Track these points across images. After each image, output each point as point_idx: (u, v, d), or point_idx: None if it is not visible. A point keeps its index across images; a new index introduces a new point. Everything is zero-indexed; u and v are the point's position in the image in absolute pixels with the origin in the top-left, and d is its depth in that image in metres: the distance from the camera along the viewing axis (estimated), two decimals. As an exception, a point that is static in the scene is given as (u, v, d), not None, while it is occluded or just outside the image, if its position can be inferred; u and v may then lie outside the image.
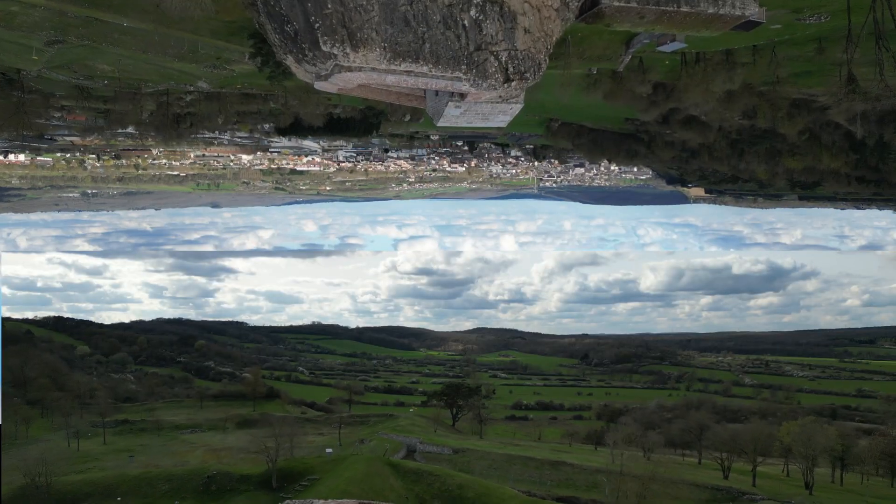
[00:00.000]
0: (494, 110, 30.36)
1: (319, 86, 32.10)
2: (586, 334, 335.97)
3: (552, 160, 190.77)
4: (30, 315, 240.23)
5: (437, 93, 30.46)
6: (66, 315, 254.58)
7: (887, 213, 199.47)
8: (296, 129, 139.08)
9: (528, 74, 27.77)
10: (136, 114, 77.64)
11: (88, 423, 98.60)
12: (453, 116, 30.69)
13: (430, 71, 26.23)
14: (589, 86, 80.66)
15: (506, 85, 27.26)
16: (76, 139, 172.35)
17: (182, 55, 55.83)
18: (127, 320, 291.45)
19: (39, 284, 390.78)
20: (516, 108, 30.80)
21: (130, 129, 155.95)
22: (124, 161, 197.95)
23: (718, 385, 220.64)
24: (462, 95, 28.86)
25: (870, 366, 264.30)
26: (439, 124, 31.06)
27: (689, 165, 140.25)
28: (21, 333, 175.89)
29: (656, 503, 59.36)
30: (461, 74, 26.50)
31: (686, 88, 73.90)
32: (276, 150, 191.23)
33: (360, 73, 27.41)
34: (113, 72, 62.78)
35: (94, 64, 62.08)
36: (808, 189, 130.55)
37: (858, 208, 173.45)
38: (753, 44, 71.09)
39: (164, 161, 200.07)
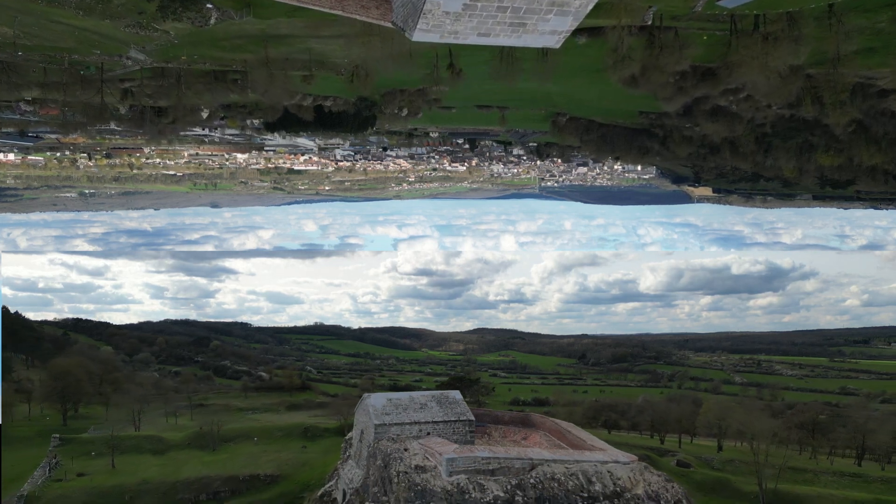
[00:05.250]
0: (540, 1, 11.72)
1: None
2: (585, 334, 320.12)
3: (555, 159, 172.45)
4: (49, 317, 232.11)
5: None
6: (83, 317, 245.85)
7: (892, 212, 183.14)
8: (285, 123, 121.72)
9: None
10: (62, 94, 59.51)
11: (175, 407, 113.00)
12: (443, 21, 12.12)
13: None
14: (616, 63, 62.46)
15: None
16: (60, 136, 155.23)
17: (88, 7, 38.27)
18: (128, 321, 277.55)
19: (41, 285, 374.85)
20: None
21: (113, 126, 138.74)
22: (117, 160, 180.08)
23: (709, 383, 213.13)
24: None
25: (859, 365, 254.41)
26: (417, 37, 13.22)
27: (706, 163, 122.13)
28: (59, 336, 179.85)
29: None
30: None
31: (740, 63, 55.56)
32: (271, 148, 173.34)
33: None
34: (14, 36, 45.04)
35: (-10, 25, 44.61)
36: (840, 188, 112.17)
37: (876, 208, 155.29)
38: (830, 2, 52.67)
39: (157, 160, 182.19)
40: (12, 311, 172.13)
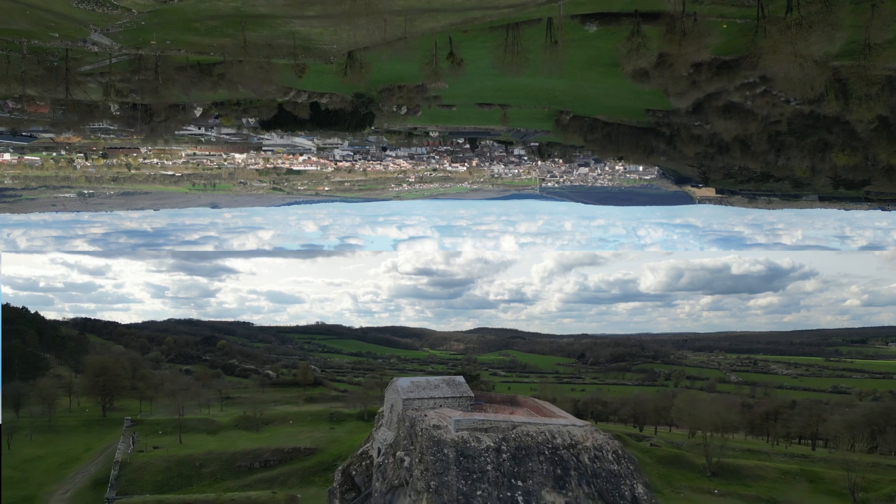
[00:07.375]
0: None
1: None
2: (585, 334, 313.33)
3: (557, 159, 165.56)
4: (58, 317, 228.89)
5: None
6: (88, 316, 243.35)
7: (893, 213, 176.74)
8: (281, 121, 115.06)
9: None
10: (21, 87, 52.63)
11: (205, 399, 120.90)
12: None
13: None
14: (630, 52, 55.75)
15: None
16: (54, 136, 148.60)
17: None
18: (129, 321, 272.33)
19: (42, 285, 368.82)
20: None
21: (106, 125, 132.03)
22: (114, 160, 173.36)
23: (704, 382, 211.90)
24: None
25: (854, 365, 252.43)
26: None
27: (714, 162, 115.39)
28: (76, 335, 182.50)
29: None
30: None
31: (771, 50, 48.85)
32: (269, 148, 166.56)
33: None
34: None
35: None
36: (853, 188, 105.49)
37: (883, 209, 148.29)
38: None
39: (155, 160, 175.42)
40: (32, 311, 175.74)
